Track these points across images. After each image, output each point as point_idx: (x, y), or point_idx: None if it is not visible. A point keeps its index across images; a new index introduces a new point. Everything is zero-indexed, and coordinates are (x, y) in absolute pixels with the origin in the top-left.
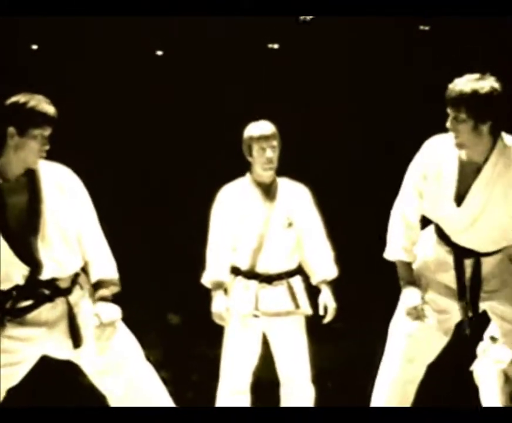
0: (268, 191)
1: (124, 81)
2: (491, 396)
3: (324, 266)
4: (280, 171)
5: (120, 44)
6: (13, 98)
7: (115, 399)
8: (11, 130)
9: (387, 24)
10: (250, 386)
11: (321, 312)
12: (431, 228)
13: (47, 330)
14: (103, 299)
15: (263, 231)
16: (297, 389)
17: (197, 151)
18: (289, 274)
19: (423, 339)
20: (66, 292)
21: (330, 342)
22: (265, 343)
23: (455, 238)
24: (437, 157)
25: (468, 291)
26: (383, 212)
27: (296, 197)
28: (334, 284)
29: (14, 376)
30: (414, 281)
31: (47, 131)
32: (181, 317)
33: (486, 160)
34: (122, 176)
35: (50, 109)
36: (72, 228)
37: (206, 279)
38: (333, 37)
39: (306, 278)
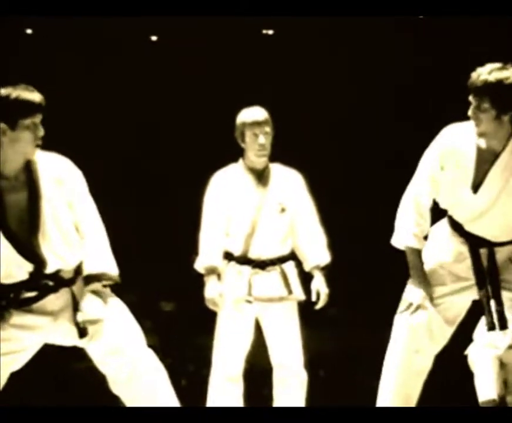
0: (261, 177)
1: (117, 67)
2: (485, 382)
3: (317, 252)
4: (274, 157)
5: (114, 30)
6: None
7: (119, 382)
8: (2, 126)
9: (384, 19)
10: (243, 373)
11: (313, 298)
12: (443, 221)
13: (51, 319)
14: (94, 292)
15: (256, 216)
16: (290, 375)
17: (190, 137)
18: (282, 260)
19: (427, 329)
20: (70, 282)
21: (322, 328)
22: (258, 329)
23: (469, 227)
24: (455, 145)
25: (488, 280)
26: (377, 199)
27: (289, 183)
28: (327, 270)
29: (16, 362)
30: (423, 270)
31: (37, 118)
32: (174, 304)
33: (504, 147)
34: (116, 164)
35: (35, 96)
36: (70, 221)
37: (199, 264)
38: (330, 25)
39: (299, 264)
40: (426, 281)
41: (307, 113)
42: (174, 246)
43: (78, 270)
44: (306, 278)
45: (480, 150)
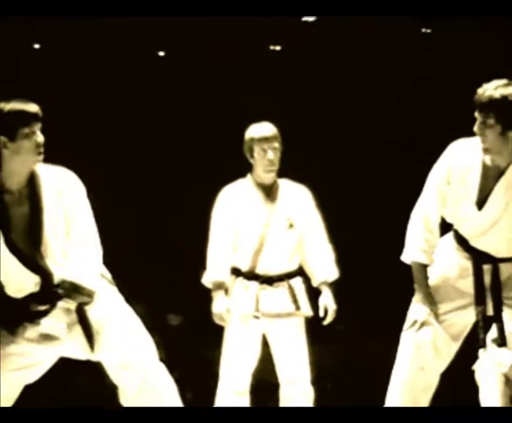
0: (269, 192)
1: (126, 81)
2: (491, 398)
3: (325, 268)
4: (282, 173)
5: (121, 44)
6: None
7: (128, 395)
8: (2, 139)
9: (391, 25)
10: (250, 388)
11: (321, 313)
12: (449, 235)
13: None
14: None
15: (264, 232)
16: (297, 391)
17: (199, 152)
18: (290, 276)
19: (432, 346)
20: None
21: (330, 344)
22: (265, 345)
23: (474, 243)
24: (461, 161)
25: (490, 296)
26: (385, 215)
27: (298, 199)
28: (335, 286)
29: (29, 376)
30: (428, 287)
31: (36, 127)
32: (182, 318)
33: (509, 164)
34: (124, 176)
35: (31, 106)
36: (64, 230)
37: (207, 279)
38: (337, 38)
39: (306, 280)
40: (431, 298)
41: (316, 128)
42: (182, 260)
43: None
44: (313, 294)
45: (485, 167)
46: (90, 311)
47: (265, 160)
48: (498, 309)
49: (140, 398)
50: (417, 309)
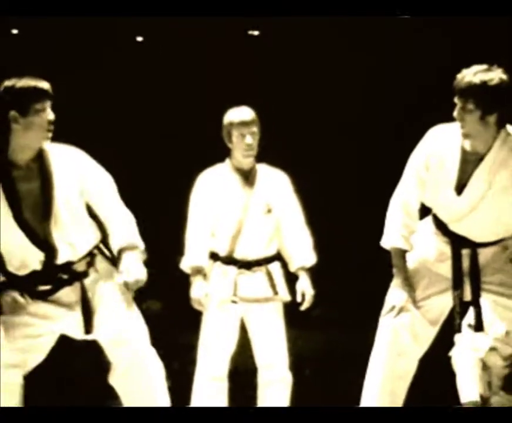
0: (247, 177)
1: (104, 67)
2: (467, 383)
3: (302, 253)
4: (261, 157)
5: (101, 30)
6: (2, 85)
7: (119, 372)
8: (13, 114)
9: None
10: (228, 373)
11: (299, 299)
12: (428, 219)
13: (66, 311)
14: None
15: (242, 217)
16: (275, 376)
17: (176, 136)
18: (268, 260)
19: (410, 332)
20: (83, 275)
21: (308, 329)
22: (243, 330)
23: (453, 227)
24: (440, 146)
25: (468, 281)
26: (365, 199)
27: (276, 184)
28: (312, 271)
29: (37, 349)
30: (407, 272)
31: (47, 104)
32: (160, 303)
33: (489, 149)
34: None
35: (43, 83)
36: (83, 207)
37: (185, 264)
38: (316, 27)
39: (284, 265)
40: (409, 283)
41: (294, 112)
42: (160, 246)
43: (91, 262)
44: (291, 279)
45: (464, 152)
46: (89, 289)
47: (244, 145)
48: (476, 293)
49: (128, 376)
50: (396, 294)
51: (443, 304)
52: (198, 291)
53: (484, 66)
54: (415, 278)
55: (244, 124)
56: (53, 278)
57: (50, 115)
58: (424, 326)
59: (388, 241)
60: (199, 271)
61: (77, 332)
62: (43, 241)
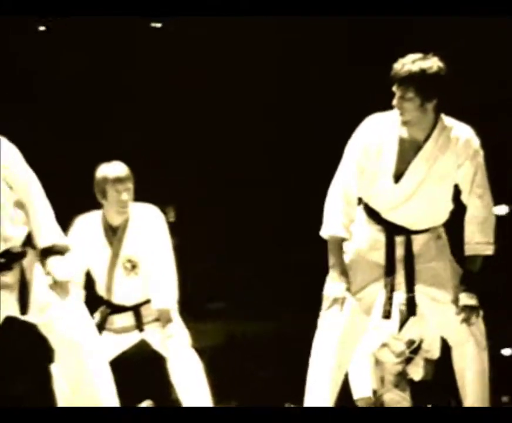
0: (116, 232)
1: None
2: (359, 379)
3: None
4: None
5: None
6: None
7: (58, 353)
8: None
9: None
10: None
11: None
12: (359, 208)
13: (8, 292)
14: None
15: (109, 272)
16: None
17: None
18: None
19: (351, 323)
20: (20, 256)
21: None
22: None
23: (386, 215)
24: (377, 134)
25: (402, 267)
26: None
27: (144, 233)
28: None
29: None
30: (344, 263)
31: None
32: None
33: (427, 137)
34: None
35: None
36: (12, 200)
37: None
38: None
39: None
40: (346, 274)
41: (196, 100)
42: None
43: (26, 242)
44: None
45: (402, 140)
46: (27, 268)
47: (119, 201)
48: (410, 280)
49: (64, 359)
50: (334, 287)
51: (375, 292)
52: None
53: (420, 55)
54: (351, 268)
55: (119, 180)
56: None
57: None
58: (361, 317)
59: (328, 230)
60: None
61: (14, 312)
62: None
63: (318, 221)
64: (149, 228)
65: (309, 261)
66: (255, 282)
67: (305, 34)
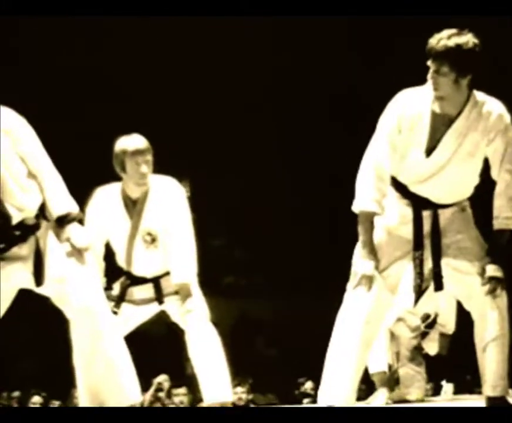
0: (135, 205)
1: None
2: (376, 353)
3: (180, 270)
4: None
5: None
6: None
7: (73, 324)
8: None
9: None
10: None
11: None
12: None
13: (22, 265)
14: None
15: (128, 245)
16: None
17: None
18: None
19: (377, 300)
20: (35, 228)
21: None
22: None
23: (414, 189)
24: (410, 110)
25: (429, 242)
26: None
27: (164, 206)
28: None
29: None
30: (373, 240)
31: None
32: None
33: (459, 112)
34: None
35: None
36: (24, 171)
37: None
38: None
39: None
40: (375, 251)
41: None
42: None
43: (40, 213)
44: None
45: (434, 115)
46: (41, 239)
47: (138, 174)
48: (437, 254)
49: (78, 327)
50: (364, 263)
51: (402, 270)
52: None
53: (456, 30)
54: (380, 245)
55: (139, 152)
56: (6, 237)
57: None
58: (386, 295)
59: (360, 205)
60: None
61: (29, 283)
62: None
63: (337, 202)
64: (169, 201)
65: (324, 242)
66: (269, 262)
67: (305, 35)
